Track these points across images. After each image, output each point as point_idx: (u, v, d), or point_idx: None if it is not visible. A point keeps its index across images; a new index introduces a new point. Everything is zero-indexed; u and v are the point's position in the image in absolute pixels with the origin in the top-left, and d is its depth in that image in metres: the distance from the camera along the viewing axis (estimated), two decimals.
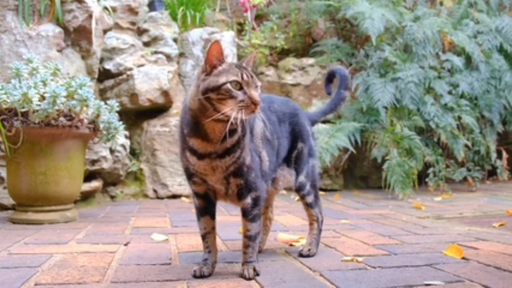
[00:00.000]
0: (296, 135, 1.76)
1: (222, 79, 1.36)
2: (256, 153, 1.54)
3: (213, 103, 1.36)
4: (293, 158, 1.76)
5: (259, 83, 1.41)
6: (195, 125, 1.42)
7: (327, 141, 3.94)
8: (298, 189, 1.79)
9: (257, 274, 1.50)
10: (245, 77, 1.37)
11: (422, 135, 4.20)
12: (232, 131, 1.40)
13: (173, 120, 3.97)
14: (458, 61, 4.42)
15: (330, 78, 1.99)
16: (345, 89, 1.98)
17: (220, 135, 1.40)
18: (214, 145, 1.42)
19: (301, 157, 1.77)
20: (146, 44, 4.25)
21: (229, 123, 1.35)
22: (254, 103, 1.35)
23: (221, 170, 1.45)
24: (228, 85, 1.35)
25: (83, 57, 3.39)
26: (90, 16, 3.27)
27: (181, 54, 4.31)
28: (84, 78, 2.61)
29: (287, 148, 1.74)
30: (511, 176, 4.58)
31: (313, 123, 1.94)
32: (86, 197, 3.35)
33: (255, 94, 1.36)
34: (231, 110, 1.34)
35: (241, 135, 1.44)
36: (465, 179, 4.28)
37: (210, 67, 1.40)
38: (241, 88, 1.36)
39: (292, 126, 1.76)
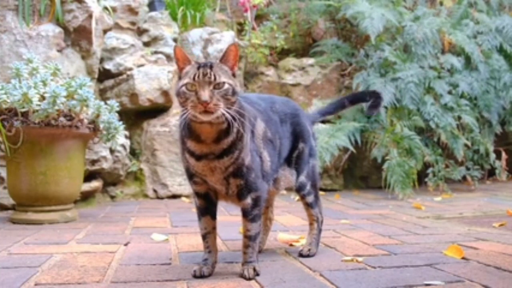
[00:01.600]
0: (297, 135, 1.77)
1: (180, 83, 1.41)
2: (257, 154, 1.54)
3: (181, 105, 1.41)
4: (294, 158, 1.76)
5: (219, 80, 1.38)
6: (189, 127, 1.44)
7: (327, 141, 3.95)
8: (299, 189, 1.79)
9: (257, 274, 1.50)
10: (196, 77, 1.38)
11: (422, 135, 4.20)
12: (225, 132, 1.41)
13: (173, 120, 3.97)
14: (457, 62, 4.42)
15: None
16: (351, 103, 1.98)
17: (209, 136, 1.42)
18: (208, 146, 1.43)
19: (302, 157, 1.77)
20: (146, 44, 4.25)
21: (217, 125, 1.37)
22: (201, 103, 1.35)
23: (220, 171, 1.46)
24: (183, 88, 1.39)
25: (83, 57, 3.39)
26: (90, 16, 3.27)
27: None
28: (84, 78, 2.61)
29: (288, 148, 1.74)
30: (511, 177, 4.58)
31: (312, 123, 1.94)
32: (86, 197, 3.35)
33: (203, 94, 1.35)
34: (189, 112, 1.37)
35: (238, 136, 1.44)
36: (464, 178, 4.28)
37: (180, 71, 1.46)
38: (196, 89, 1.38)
39: (293, 126, 1.76)
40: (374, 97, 1.92)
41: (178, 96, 1.41)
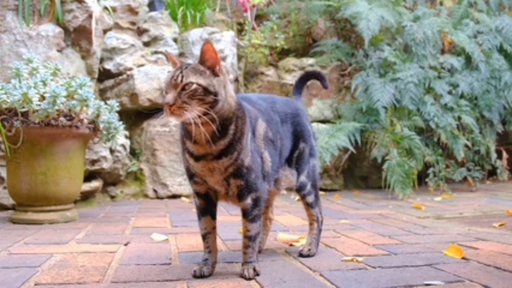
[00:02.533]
0: (298, 135, 1.77)
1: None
2: (258, 154, 1.54)
3: None
4: (294, 158, 1.76)
5: (186, 81, 1.37)
6: (185, 128, 1.45)
7: (327, 141, 3.95)
8: (299, 189, 1.79)
9: (257, 274, 1.50)
10: (167, 80, 1.40)
11: (422, 135, 4.20)
12: (220, 133, 1.41)
13: (173, 120, 3.97)
14: (457, 62, 4.42)
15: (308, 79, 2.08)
16: (302, 89, 2.07)
17: (201, 137, 1.42)
18: (204, 147, 1.43)
19: (302, 157, 1.77)
20: (146, 44, 4.25)
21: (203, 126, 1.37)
22: (166, 105, 1.37)
23: (219, 171, 1.46)
24: (163, 92, 1.42)
25: (83, 57, 3.39)
26: (90, 16, 3.27)
27: (181, 54, 4.31)
28: (84, 78, 2.61)
29: (289, 148, 1.74)
30: (511, 176, 4.58)
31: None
32: (86, 197, 3.35)
33: (167, 96, 1.37)
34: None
35: (236, 137, 1.44)
36: (465, 179, 4.28)
37: None
38: None
39: (294, 126, 1.76)
40: (314, 77, 2.07)
41: None
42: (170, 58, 1.49)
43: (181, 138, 1.52)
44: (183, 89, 1.37)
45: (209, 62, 1.42)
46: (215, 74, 1.42)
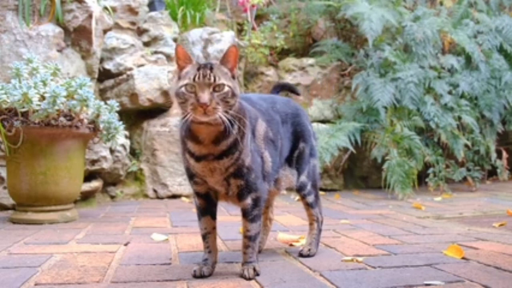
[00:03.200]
0: (298, 135, 1.77)
1: (180, 84, 1.40)
2: (258, 154, 1.54)
3: (180, 106, 1.40)
4: (294, 158, 1.76)
5: (219, 82, 1.37)
6: (188, 128, 1.44)
7: (327, 141, 3.95)
8: (299, 189, 1.79)
9: (257, 274, 1.50)
10: (196, 78, 1.37)
11: (422, 135, 4.20)
12: (224, 134, 1.41)
13: (173, 120, 3.97)
14: (457, 62, 4.43)
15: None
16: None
17: (207, 137, 1.42)
18: (207, 147, 1.43)
19: (302, 157, 1.78)
20: (146, 44, 4.25)
21: (217, 126, 1.38)
22: (200, 105, 1.34)
23: (219, 172, 1.46)
24: (183, 89, 1.38)
25: (83, 57, 3.39)
26: (90, 16, 3.27)
27: None
28: (84, 78, 2.61)
29: (289, 148, 1.74)
30: (511, 176, 4.58)
31: None
32: (86, 197, 3.35)
33: (202, 95, 1.35)
34: (188, 113, 1.36)
35: (238, 137, 1.44)
36: (465, 179, 4.28)
37: (179, 71, 1.45)
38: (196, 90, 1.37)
39: (294, 126, 1.76)
40: (285, 88, 2.18)
41: (177, 96, 1.40)
42: (184, 53, 1.44)
43: (181, 138, 1.51)
44: (214, 89, 1.37)
45: (230, 64, 1.44)
46: (233, 76, 1.44)
